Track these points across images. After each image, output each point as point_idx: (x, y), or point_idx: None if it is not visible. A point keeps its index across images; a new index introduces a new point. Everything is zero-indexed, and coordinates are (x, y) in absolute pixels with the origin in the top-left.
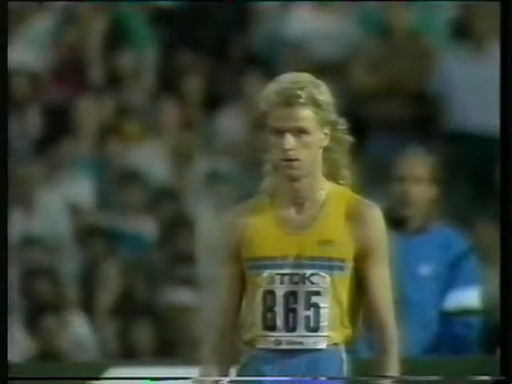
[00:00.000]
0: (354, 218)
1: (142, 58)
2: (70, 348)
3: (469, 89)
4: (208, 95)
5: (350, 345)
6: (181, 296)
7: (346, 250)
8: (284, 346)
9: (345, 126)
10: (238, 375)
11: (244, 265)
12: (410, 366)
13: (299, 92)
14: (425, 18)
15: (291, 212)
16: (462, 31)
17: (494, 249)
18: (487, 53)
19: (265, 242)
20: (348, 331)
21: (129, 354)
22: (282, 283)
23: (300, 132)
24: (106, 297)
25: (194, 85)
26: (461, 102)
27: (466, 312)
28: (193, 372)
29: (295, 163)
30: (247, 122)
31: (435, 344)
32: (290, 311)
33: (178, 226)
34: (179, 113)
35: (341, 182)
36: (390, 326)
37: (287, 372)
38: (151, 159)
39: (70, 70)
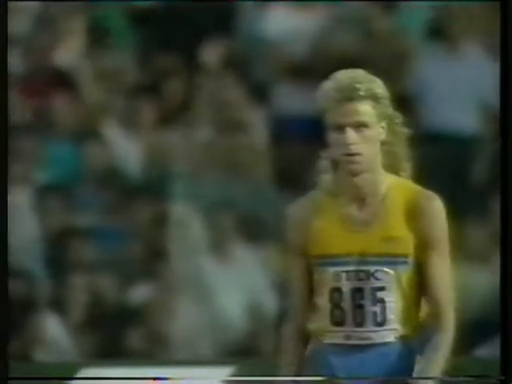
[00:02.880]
0: (415, 210)
1: (120, 59)
2: (44, 348)
3: (444, 89)
4: (186, 95)
5: (418, 336)
6: (154, 293)
7: (408, 244)
8: (353, 341)
9: (401, 120)
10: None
11: (311, 261)
12: None
13: (358, 86)
14: (401, 18)
15: (354, 209)
16: (438, 32)
17: (472, 247)
18: (463, 54)
19: (330, 240)
20: (414, 323)
21: (105, 354)
22: (347, 280)
23: (360, 126)
24: (80, 296)
25: (172, 85)
26: (436, 102)
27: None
28: (170, 372)
29: (357, 158)
30: (224, 123)
31: None
32: (357, 307)
33: (154, 224)
34: (157, 113)
35: (402, 174)
36: (448, 319)
37: (357, 367)
38: (128, 158)
39: (47, 72)
